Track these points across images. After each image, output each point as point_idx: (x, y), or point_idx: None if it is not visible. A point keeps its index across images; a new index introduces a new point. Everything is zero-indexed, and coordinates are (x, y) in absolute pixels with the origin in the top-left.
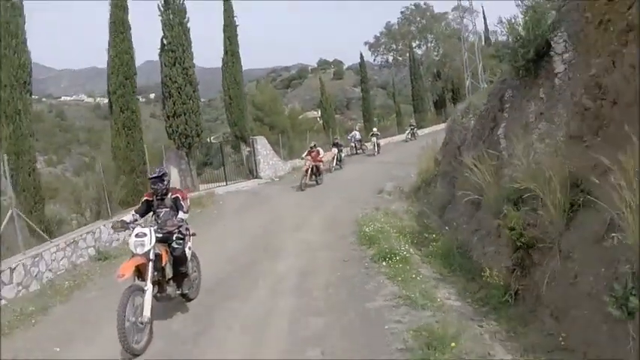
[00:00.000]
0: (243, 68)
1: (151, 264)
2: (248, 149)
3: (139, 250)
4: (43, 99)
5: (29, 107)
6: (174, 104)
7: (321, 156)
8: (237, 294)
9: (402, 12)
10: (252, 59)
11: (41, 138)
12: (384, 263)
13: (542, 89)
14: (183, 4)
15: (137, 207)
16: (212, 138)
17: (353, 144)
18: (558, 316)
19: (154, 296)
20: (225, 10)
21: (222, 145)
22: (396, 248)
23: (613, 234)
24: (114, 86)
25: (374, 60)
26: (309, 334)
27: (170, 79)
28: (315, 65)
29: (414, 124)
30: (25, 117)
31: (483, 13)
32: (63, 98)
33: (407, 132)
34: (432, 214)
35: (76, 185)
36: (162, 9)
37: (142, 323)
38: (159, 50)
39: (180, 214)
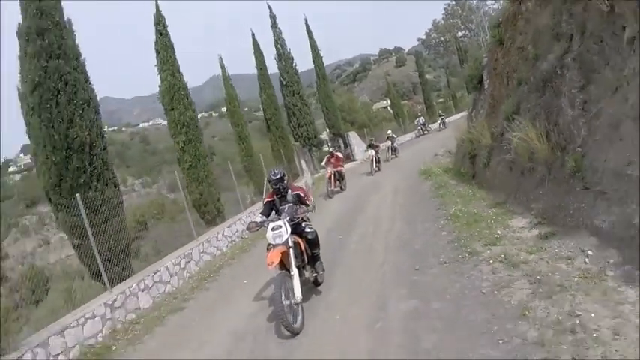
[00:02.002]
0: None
1: (291, 251)
2: (343, 142)
3: (278, 241)
4: (123, 128)
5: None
6: (297, 120)
7: (341, 161)
8: (368, 194)
9: (444, 8)
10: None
11: (133, 164)
12: (428, 177)
13: (481, 95)
14: (290, 53)
15: (261, 210)
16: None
17: (419, 128)
18: (481, 181)
19: None
20: (311, 46)
21: (328, 141)
22: (434, 172)
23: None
24: (269, 113)
25: (427, 53)
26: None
27: (292, 104)
28: (377, 55)
29: (443, 113)
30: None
31: None
32: (141, 125)
33: (438, 122)
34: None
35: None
36: (277, 59)
37: (295, 304)
38: (280, 86)
39: (304, 207)
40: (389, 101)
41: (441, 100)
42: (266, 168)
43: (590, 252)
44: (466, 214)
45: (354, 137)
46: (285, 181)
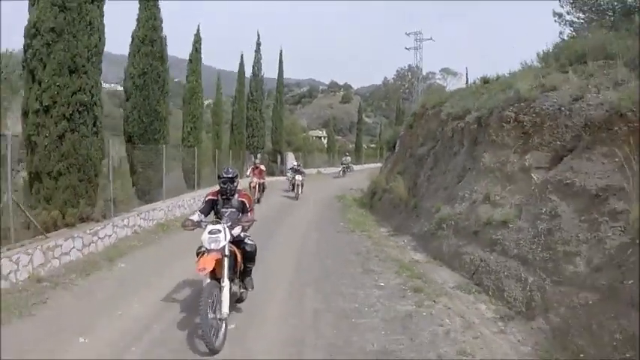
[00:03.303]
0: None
1: (226, 260)
2: (280, 158)
3: (214, 246)
4: None
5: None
6: (252, 130)
7: (264, 172)
8: (291, 205)
9: (397, 70)
10: (267, 68)
11: None
12: (340, 200)
13: (392, 155)
14: (263, 75)
15: (200, 207)
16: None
17: (343, 167)
18: (374, 208)
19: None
20: (278, 75)
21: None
22: (346, 198)
23: (389, 196)
24: (236, 120)
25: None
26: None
27: (253, 117)
28: (326, 86)
29: (347, 161)
30: None
31: (466, 74)
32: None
33: (342, 167)
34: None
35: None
36: (252, 78)
37: (220, 320)
38: (247, 101)
39: (249, 217)
40: (325, 133)
41: (373, 145)
42: (221, 163)
43: (405, 240)
44: (356, 221)
45: (290, 157)
46: (235, 184)
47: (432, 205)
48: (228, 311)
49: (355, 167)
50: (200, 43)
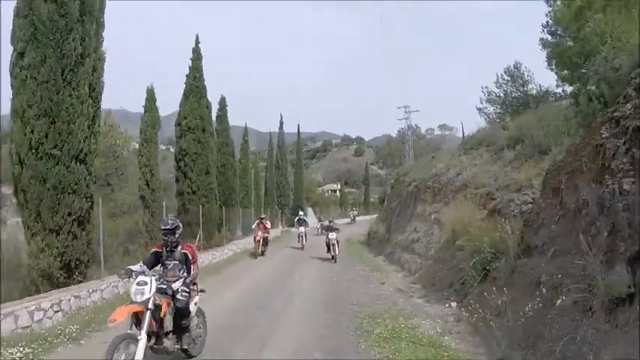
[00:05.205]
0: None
1: (148, 313)
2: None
3: (139, 299)
4: None
5: None
6: (279, 191)
7: (268, 227)
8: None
9: (398, 130)
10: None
11: None
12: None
13: (383, 207)
14: (284, 158)
15: (145, 259)
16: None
17: (351, 217)
18: (371, 246)
19: (151, 348)
20: (297, 147)
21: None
22: (353, 241)
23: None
24: (269, 186)
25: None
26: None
27: (279, 182)
28: (339, 139)
29: (353, 214)
30: None
31: (462, 129)
32: None
33: (350, 217)
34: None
35: None
36: (276, 164)
37: None
38: (275, 167)
39: (188, 277)
40: (339, 186)
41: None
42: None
43: (380, 257)
44: (362, 256)
45: (309, 211)
46: (177, 235)
47: (394, 237)
48: None
49: (363, 217)
50: (248, 140)
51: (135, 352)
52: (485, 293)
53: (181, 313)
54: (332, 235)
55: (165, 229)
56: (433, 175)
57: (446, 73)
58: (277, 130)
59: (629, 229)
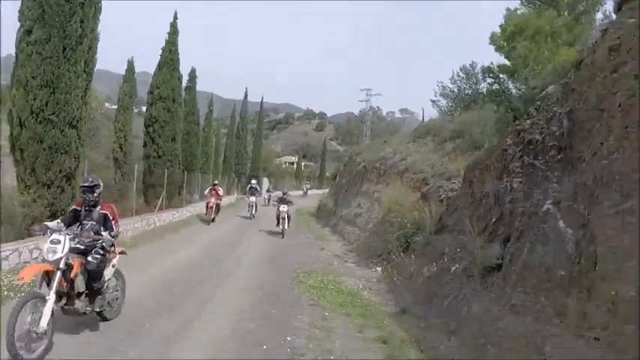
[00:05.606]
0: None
1: (58, 273)
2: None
3: (50, 257)
4: None
5: None
6: (237, 159)
7: (221, 194)
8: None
9: (360, 110)
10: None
11: None
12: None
13: (335, 184)
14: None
15: (63, 217)
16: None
17: (304, 189)
18: (319, 217)
19: (61, 308)
20: (260, 117)
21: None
22: (303, 212)
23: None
24: (228, 153)
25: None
26: None
27: (239, 150)
28: (302, 112)
29: (306, 187)
30: None
31: (423, 114)
32: None
33: (303, 190)
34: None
35: None
36: (241, 131)
37: (36, 333)
38: (235, 135)
39: (106, 235)
40: (296, 159)
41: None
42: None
43: (327, 228)
44: (309, 226)
45: (265, 182)
46: (96, 194)
47: (341, 211)
48: (46, 327)
49: (317, 191)
50: (213, 110)
51: (42, 312)
52: (405, 261)
53: (92, 276)
54: (283, 208)
55: (83, 187)
56: (381, 157)
57: (416, 59)
58: (241, 99)
59: (509, 217)
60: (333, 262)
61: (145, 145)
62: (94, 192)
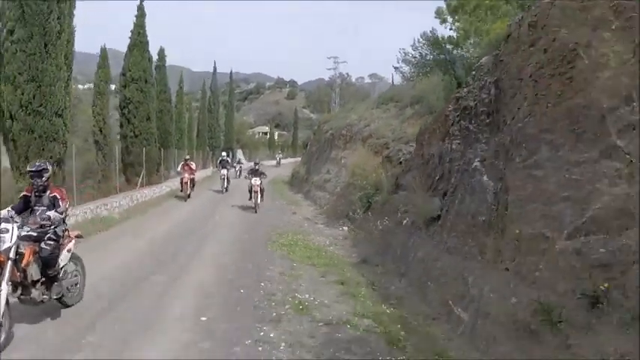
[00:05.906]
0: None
1: (9, 263)
2: (232, 153)
3: None
4: None
5: None
6: (211, 134)
7: (194, 169)
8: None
9: (330, 77)
10: (219, 61)
11: None
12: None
13: (306, 151)
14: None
15: (13, 204)
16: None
17: (277, 159)
18: (293, 184)
19: (18, 298)
20: (230, 89)
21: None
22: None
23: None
24: (201, 127)
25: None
26: None
27: (212, 124)
28: (273, 82)
29: (279, 157)
30: None
31: (392, 79)
32: None
33: (276, 160)
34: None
35: None
36: (212, 102)
37: None
38: (207, 109)
39: (52, 213)
40: (268, 129)
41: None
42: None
43: (299, 194)
44: (282, 193)
45: (239, 153)
46: (45, 178)
47: (312, 177)
48: (1, 318)
49: (290, 160)
50: (183, 87)
51: None
52: (367, 219)
53: (47, 263)
54: (255, 181)
55: (31, 172)
56: (347, 124)
57: (386, 22)
58: (211, 72)
59: (448, 174)
60: (303, 224)
61: (121, 125)
62: (42, 176)
